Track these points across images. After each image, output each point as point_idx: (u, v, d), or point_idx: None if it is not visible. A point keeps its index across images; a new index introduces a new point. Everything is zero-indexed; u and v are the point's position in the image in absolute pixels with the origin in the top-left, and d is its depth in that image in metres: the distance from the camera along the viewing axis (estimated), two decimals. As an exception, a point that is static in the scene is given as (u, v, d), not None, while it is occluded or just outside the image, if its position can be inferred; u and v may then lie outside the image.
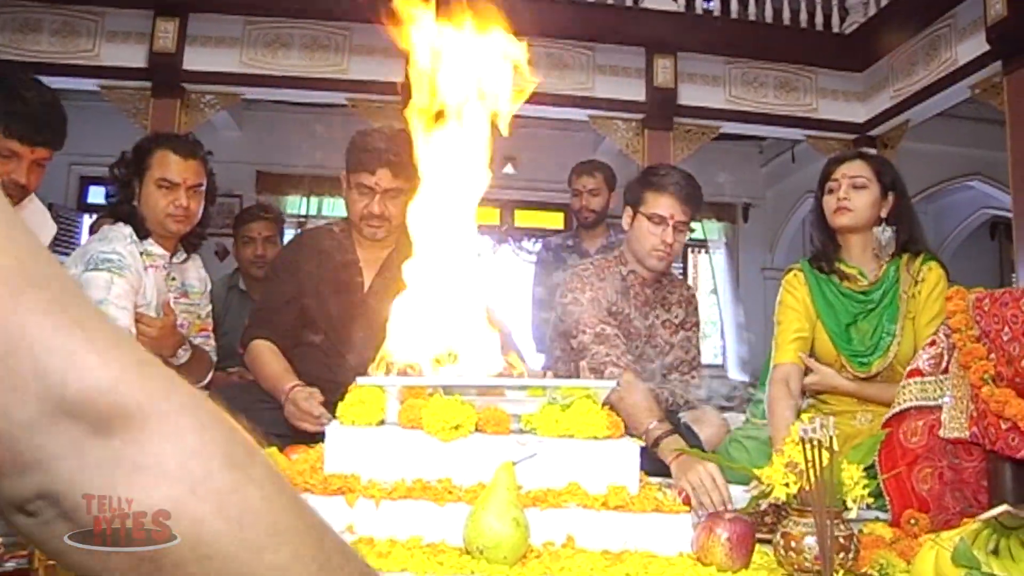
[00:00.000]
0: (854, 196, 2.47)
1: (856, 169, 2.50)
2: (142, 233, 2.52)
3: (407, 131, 1.89)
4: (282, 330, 2.59)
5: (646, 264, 2.80)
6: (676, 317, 2.94)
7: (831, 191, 2.52)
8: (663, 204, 2.74)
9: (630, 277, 2.85)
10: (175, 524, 0.48)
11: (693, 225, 2.89)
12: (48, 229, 2.61)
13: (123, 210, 2.55)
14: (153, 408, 0.48)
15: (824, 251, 2.56)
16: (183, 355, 2.60)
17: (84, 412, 0.46)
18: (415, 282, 1.57)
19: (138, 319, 2.43)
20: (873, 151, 5.56)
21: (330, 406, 1.36)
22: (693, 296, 3.09)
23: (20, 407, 0.45)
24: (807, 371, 2.48)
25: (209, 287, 2.86)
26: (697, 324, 3.03)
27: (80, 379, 0.46)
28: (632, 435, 1.43)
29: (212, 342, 2.81)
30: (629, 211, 2.84)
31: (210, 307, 2.85)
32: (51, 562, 1.05)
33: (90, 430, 0.47)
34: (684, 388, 2.93)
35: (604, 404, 1.38)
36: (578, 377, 2.49)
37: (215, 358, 2.80)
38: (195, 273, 2.77)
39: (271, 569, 0.50)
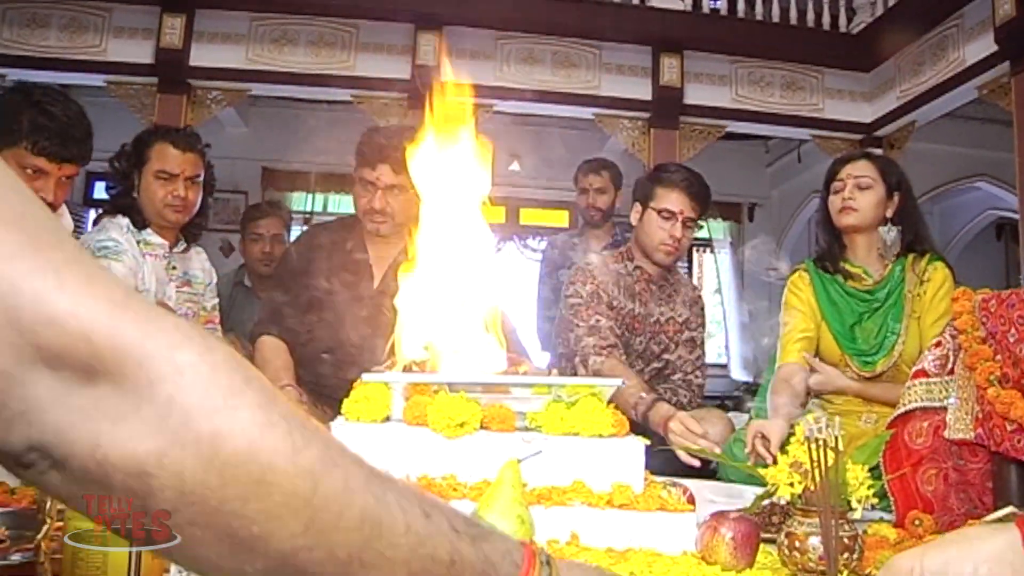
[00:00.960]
0: (859, 196, 2.46)
1: (861, 169, 2.49)
2: (140, 223, 2.56)
3: (414, 129, 1.89)
4: (290, 325, 2.59)
5: (653, 259, 2.82)
6: (680, 316, 2.95)
7: (836, 191, 2.51)
8: (673, 199, 2.78)
9: (636, 272, 2.87)
10: (160, 477, 0.47)
11: (699, 223, 2.92)
12: (65, 226, 2.63)
13: (123, 202, 2.59)
14: (129, 353, 0.47)
15: (829, 251, 2.57)
16: None
17: (62, 361, 0.45)
18: (422, 279, 1.58)
19: None
20: (879, 151, 5.55)
21: (335, 402, 1.37)
22: (699, 297, 3.11)
23: (5, 353, 0.43)
24: (812, 371, 2.48)
25: (214, 279, 2.87)
26: (703, 325, 3.04)
27: (53, 327, 0.44)
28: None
29: (219, 334, 2.82)
30: (638, 207, 2.87)
31: (216, 300, 2.87)
32: (56, 555, 1.06)
33: (70, 378, 0.45)
34: (687, 387, 2.94)
35: (609, 402, 1.38)
36: (576, 375, 2.50)
37: None
38: (199, 264, 2.80)
39: (263, 513, 0.50)
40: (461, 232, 1.61)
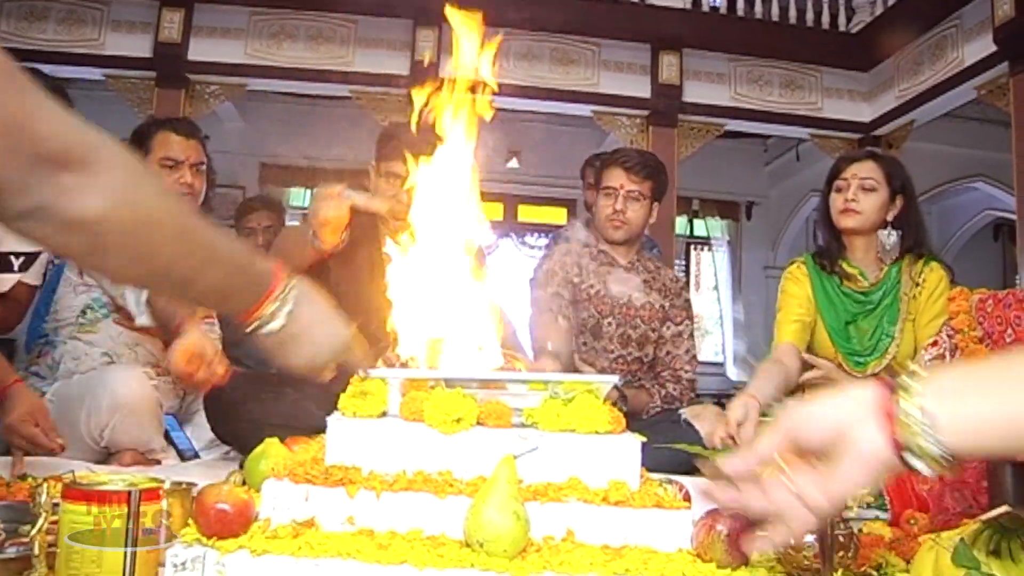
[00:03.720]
0: (863, 198, 2.44)
1: (867, 170, 2.47)
2: None
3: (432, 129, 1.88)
4: None
5: (606, 236, 2.94)
6: (657, 303, 2.97)
7: (839, 190, 2.50)
8: (612, 176, 2.90)
9: (601, 256, 2.94)
10: (113, 222, 0.87)
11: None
12: None
13: None
14: (87, 152, 0.84)
15: (828, 250, 2.56)
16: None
17: (53, 159, 0.80)
18: (421, 275, 1.57)
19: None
20: (886, 151, 5.55)
21: (334, 399, 1.37)
22: (683, 288, 3.13)
23: (19, 159, 0.78)
24: (807, 367, 2.48)
25: None
26: (690, 319, 3.04)
27: (50, 139, 0.80)
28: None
29: (217, 328, 2.82)
30: (595, 195, 3.02)
31: None
32: (52, 549, 1.05)
33: (57, 169, 0.81)
34: (677, 382, 2.94)
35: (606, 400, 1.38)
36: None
37: (220, 345, 2.80)
38: None
39: (159, 242, 0.94)
40: (459, 228, 1.61)
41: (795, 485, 0.81)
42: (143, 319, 2.54)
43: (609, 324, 2.91)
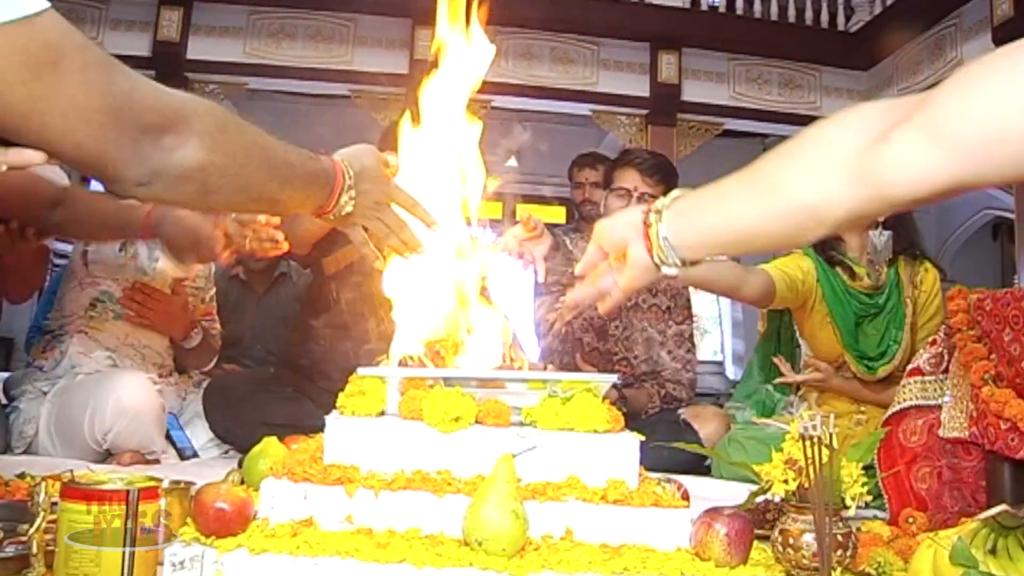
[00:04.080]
0: None
1: None
2: None
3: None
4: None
5: None
6: (662, 304, 2.96)
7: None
8: (625, 177, 2.84)
9: None
10: (207, 168, 1.01)
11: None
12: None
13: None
14: (179, 113, 0.96)
15: (823, 243, 2.54)
16: (195, 338, 2.61)
17: (157, 127, 0.93)
18: (419, 272, 1.57)
19: (148, 291, 2.45)
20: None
21: (333, 398, 1.36)
22: (684, 288, 3.11)
23: (130, 135, 0.91)
24: (800, 365, 2.48)
25: (213, 270, 2.85)
26: (690, 318, 3.04)
27: (148, 111, 0.92)
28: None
29: (217, 325, 2.81)
30: (604, 194, 2.94)
31: (213, 291, 2.85)
32: (50, 547, 1.05)
33: (161, 134, 0.93)
34: (677, 383, 2.95)
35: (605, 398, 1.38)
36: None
37: (219, 343, 2.80)
38: None
39: (250, 172, 1.09)
40: (457, 226, 1.61)
41: (612, 276, 1.17)
42: (159, 264, 2.54)
43: (616, 327, 2.90)
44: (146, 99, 0.93)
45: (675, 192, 1.10)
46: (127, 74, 0.91)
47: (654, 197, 2.83)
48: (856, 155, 0.90)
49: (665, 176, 2.86)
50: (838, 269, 2.50)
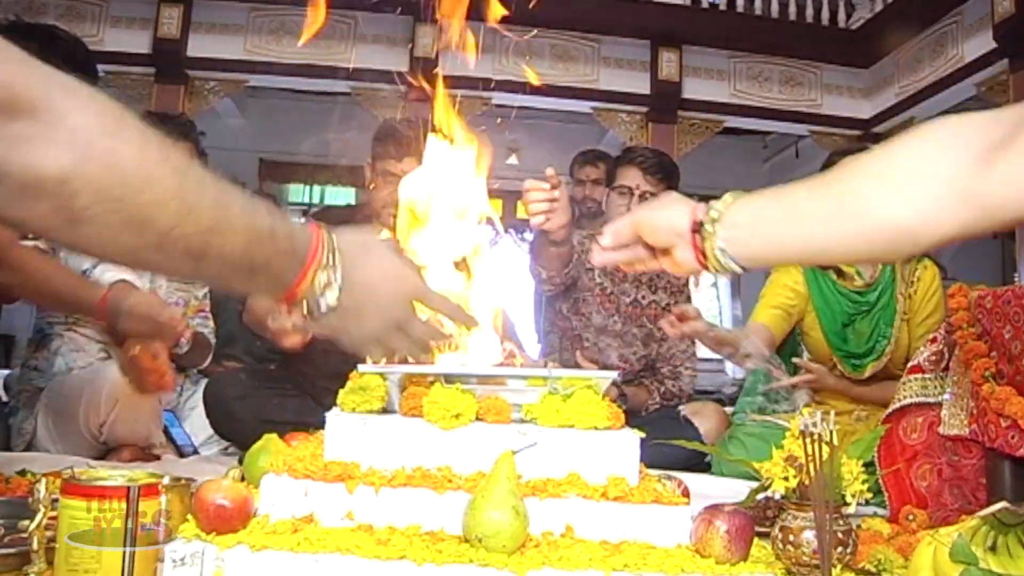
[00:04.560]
0: None
1: None
2: None
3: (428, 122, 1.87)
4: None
5: None
6: (663, 302, 2.96)
7: (831, 185, 2.51)
8: (628, 176, 2.85)
9: None
10: (78, 181, 0.69)
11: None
12: None
13: None
14: (42, 96, 0.67)
15: None
16: (184, 345, 2.60)
17: (1, 105, 0.65)
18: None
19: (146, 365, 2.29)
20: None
21: (333, 394, 1.36)
22: (685, 285, 3.11)
23: None
24: (798, 370, 2.48)
25: None
26: None
27: None
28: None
29: (210, 323, 2.81)
30: (606, 191, 2.95)
31: (207, 288, 2.84)
32: (51, 544, 1.05)
33: (5, 116, 0.65)
34: (677, 379, 2.95)
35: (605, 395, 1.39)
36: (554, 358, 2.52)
37: (213, 340, 2.80)
38: None
39: (148, 202, 0.75)
40: (458, 225, 1.60)
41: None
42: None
43: (615, 323, 2.90)
44: None
45: (726, 199, 1.03)
46: None
47: (655, 195, 2.83)
48: (961, 175, 0.86)
49: (667, 175, 2.87)
50: (829, 271, 2.51)
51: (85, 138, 0.70)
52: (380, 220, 2.61)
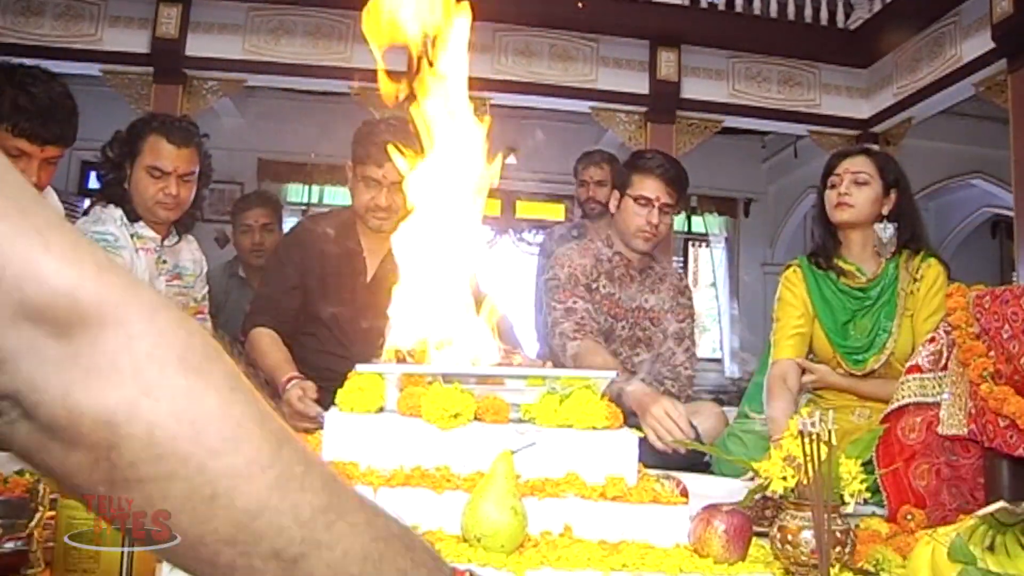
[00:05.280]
0: (855, 192, 2.46)
1: (859, 165, 2.49)
2: (133, 216, 2.51)
3: (413, 122, 1.88)
4: (284, 317, 2.58)
5: (632, 245, 2.86)
6: (665, 304, 2.96)
7: (833, 186, 2.52)
8: (649, 186, 2.81)
9: (616, 259, 2.90)
10: (128, 425, 0.48)
11: (693, 218, 2.94)
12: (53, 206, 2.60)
13: (115, 192, 2.53)
14: (110, 312, 0.48)
15: (823, 246, 2.57)
16: None
17: (43, 315, 0.46)
18: (415, 270, 1.57)
19: None
20: (877, 147, 5.55)
21: (331, 395, 1.36)
22: (686, 287, 3.12)
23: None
24: (804, 372, 2.49)
25: (205, 269, 2.84)
26: (691, 316, 3.04)
27: (39, 283, 0.46)
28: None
29: (209, 324, 2.80)
30: (616, 194, 2.92)
31: (206, 289, 2.84)
32: (49, 543, 1.05)
33: (49, 332, 0.47)
34: (676, 379, 2.94)
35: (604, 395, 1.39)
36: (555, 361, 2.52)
37: None
38: (188, 255, 2.74)
39: (226, 471, 0.50)
40: (456, 224, 1.61)
41: None
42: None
43: (622, 328, 2.90)
44: (50, 260, 0.47)
45: None
46: (30, 205, 0.48)
47: (673, 207, 2.83)
48: None
49: (683, 186, 2.88)
50: (830, 272, 2.52)
51: (155, 370, 0.49)
52: (362, 220, 2.62)
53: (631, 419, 1.45)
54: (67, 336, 0.47)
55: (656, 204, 2.80)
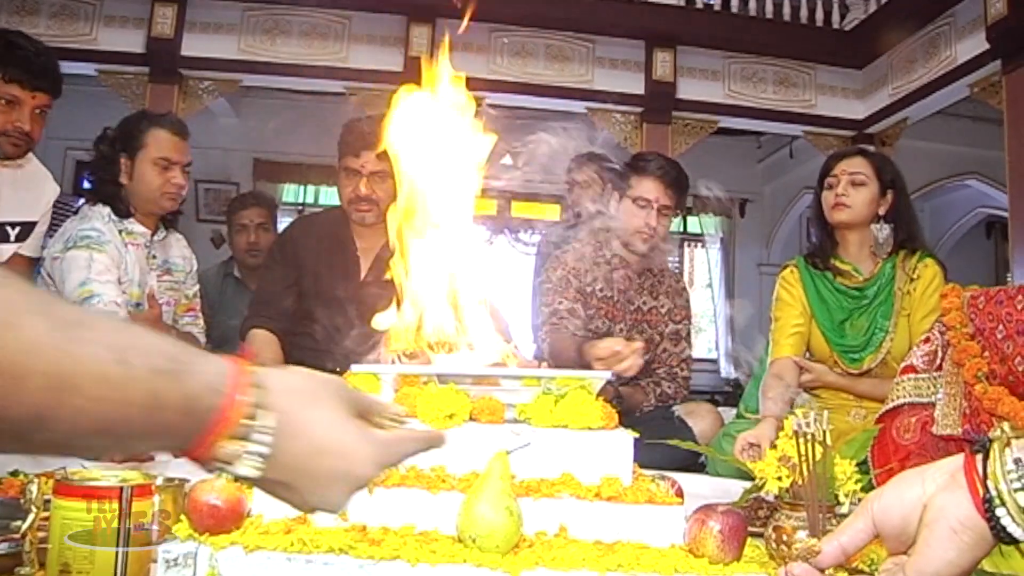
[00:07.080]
0: (852, 192, 2.47)
1: (856, 166, 2.50)
2: (123, 212, 2.53)
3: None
4: (281, 316, 2.59)
5: (630, 247, 2.85)
6: (663, 306, 2.96)
7: (830, 186, 2.52)
8: (648, 188, 2.81)
9: (614, 260, 2.89)
10: None
11: (689, 219, 2.95)
12: (49, 192, 2.61)
13: (106, 190, 2.55)
14: None
15: (820, 247, 2.58)
16: None
17: None
18: (411, 270, 1.57)
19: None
20: (873, 148, 5.57)
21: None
22: (684, 289, 3.12)
23: None
24: (801, 371, 2.49)
25: (195, 266, 2.85)
26: (688, 318, 3.04)
27: None
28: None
29: (200, 322, 2.81)
30: (616, 195, 2.91)
31: (197, 287, 2.85)
32: (43, 545, 1.05)
33: None
34: (672, 380, 2.95)
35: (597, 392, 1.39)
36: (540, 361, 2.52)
37: (203, 340, 2.79)
38: (178, 251, 2.76)
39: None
40: (450, 222, 1.60)
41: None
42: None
43: (620, 330, 2.90)
44: None
45: (1006, 429, 0.77)
46: None
47: (670, 208, 2.82)
48: None
49: (683, 188, 2.87)
50: (827, 272, 2.53)
51: None
52: (348, 216, 2.64)
53: (626, 419, 1.45)
54: None
55: (655, 205, 2.80)
